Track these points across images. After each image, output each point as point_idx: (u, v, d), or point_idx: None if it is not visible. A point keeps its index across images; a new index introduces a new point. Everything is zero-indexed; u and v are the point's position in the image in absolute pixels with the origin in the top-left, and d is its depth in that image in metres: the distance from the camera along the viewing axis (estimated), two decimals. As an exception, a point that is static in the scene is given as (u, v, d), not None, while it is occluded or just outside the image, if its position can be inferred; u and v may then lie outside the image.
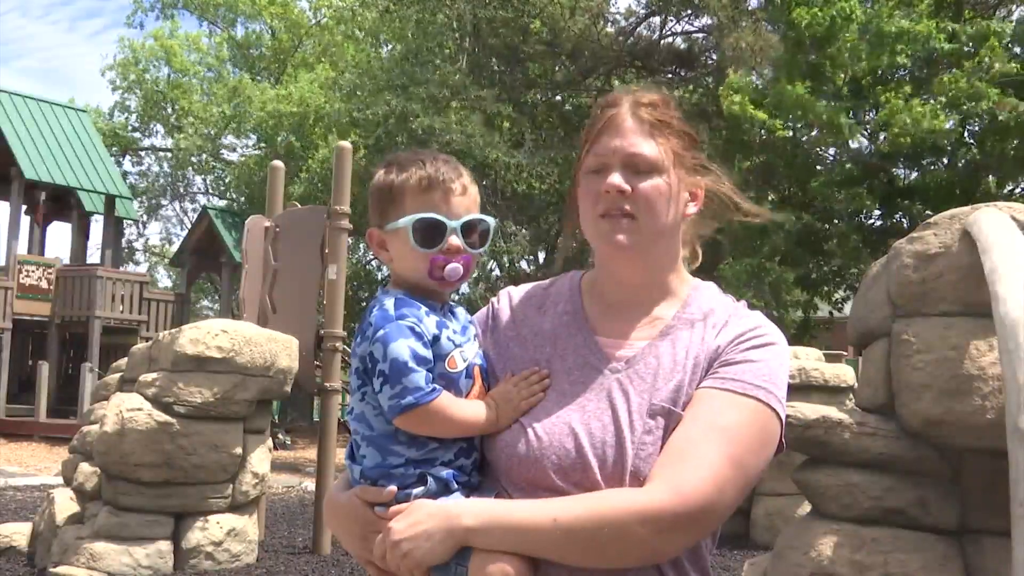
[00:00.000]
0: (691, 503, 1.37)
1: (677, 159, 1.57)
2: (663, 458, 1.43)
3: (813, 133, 13.88)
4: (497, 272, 20.53)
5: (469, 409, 1.53)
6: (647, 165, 1.53)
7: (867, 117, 14.13)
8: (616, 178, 1.52)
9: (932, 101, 12.71)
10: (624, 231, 1.52)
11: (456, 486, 1.52)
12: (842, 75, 13.24)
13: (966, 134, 13.71)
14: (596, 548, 1.39)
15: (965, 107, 12.43)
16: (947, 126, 12.59)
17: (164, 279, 38.02)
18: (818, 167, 14.80)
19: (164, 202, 36.12)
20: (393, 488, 1.51)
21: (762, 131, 13.30)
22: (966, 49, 12.51)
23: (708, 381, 1.50)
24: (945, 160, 14.31)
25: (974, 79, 12.37)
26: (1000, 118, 12.22)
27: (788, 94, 12.86)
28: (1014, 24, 12.94)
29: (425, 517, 1.44)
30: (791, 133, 13.56)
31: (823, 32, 12.95)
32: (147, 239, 39.64)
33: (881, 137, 14.07)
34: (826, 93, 13.61)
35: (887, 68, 13.17)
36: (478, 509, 1.43)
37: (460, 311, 1.66)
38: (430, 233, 1.55)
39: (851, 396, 7.86)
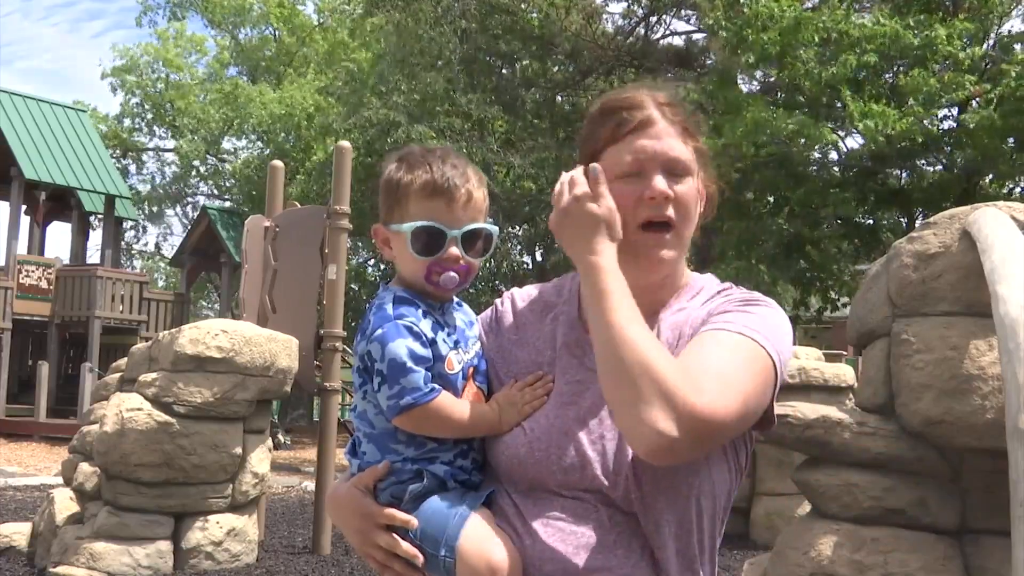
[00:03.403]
0: (709, 410, 1.32)
1: (699, 160, 1.57)
2: (695, 372, 1.36)
3: (796, 143, 13.84)
4: (492, 270, 20.55)
5: (469, 411, 1.53)
6: (683, 168, 1.53)
7: (846, 121, 14.12)
8: (661, 183, 1.50)
9: (911, 101, 12.65)
10: (668, 246, 1.51)
11: (453, 484, 1.52)
12: (812, 84, 13.17)
13: (961, 134, 13.68)
14: (617, 376, 1.35)
15: (943, 100, 12.38)
16: (926, 123, 12.55)
17: (159, 280, 38.03)
18: (808, 171, 14.78)
19: (167, 209, 36.20)
20: (387, 462, 1.51)
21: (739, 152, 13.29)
22: (921, 50, 12.43)
23: (703, 327, 1.47)
24: (943, 161, 14.30)
25: (944, 73, 12.34)
26: (981, 110, 12.17)
27: (731, 123, 12.87)
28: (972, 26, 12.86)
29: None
30: (767, 147, 13.50)
31: (776, 50, 12.91)
32: (146, 243, 39.76)
33: (861, 140, 14.06)
34: (802, 104, 13.59)
35: (859, 70, 13.09)
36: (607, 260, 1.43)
37: (465, 310, 1.66)
38: (429, 241, 1.54)
39: (851, 396, 7.86)
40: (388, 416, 1.51)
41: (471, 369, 1.59)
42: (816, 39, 12.81)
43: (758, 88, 16.57)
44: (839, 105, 13.55)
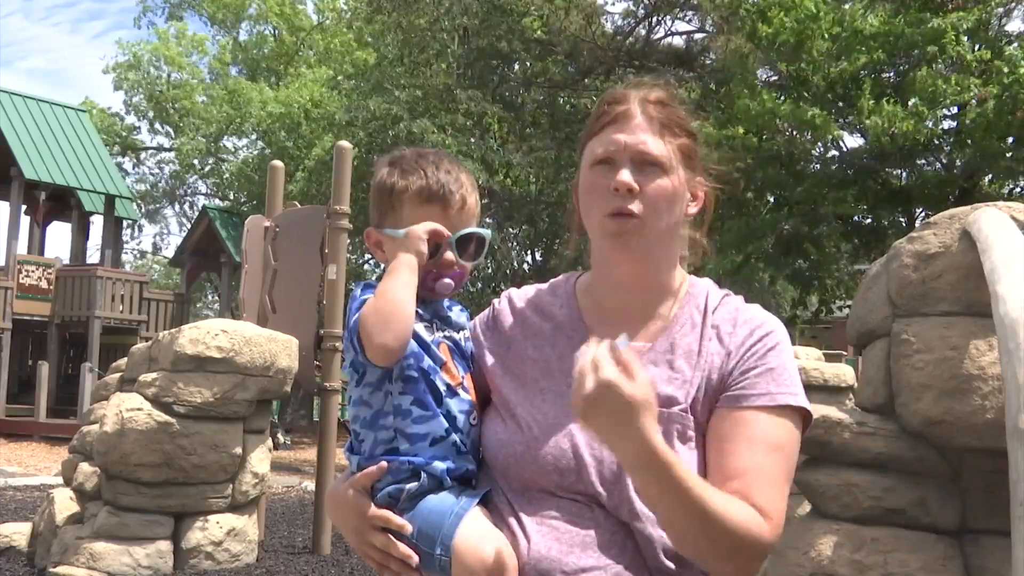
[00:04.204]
0: (778, 530, 1.44)
1: (683, 159, 1.56)
2: (752, 484, 1.44)
3: (802, 136, 13.83)
4: (491, 271, 20.53)
5: (390, 276, 1.53)
6: (655, 163, 1.52)
7: (849, 119, 14.11)
8: (626, 175, 1.50)
9: (914, 100, 12.65)
10: (631, 231, 1.51)
11: (450, 482, 1.52)
12: (822, 79, 13.16)
13: (961, 133, 13.68)
14: (706, 535, 1.39)
15: (948, 100, 12.39)
16: (928, 124, 12.54)
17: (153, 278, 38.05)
18: (810, 169, 14.77)
19: (165, 205, 36.22)
20: (384, 464, 1.52)
21: (741, 145, 13.26)
22: (928, 45, 12.44)
23: (743, 400, 1.50)
24: (943, 160, 14.29)
25: (951, 73, 12.35)
26: (977, 109, 12.16)
27: (744, 107, 12.84)
28: (974, 18, 12.82)
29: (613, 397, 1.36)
30: (771, 140, 13.48)
31: (793, 39, 12.91)
32: (140, 242, 39.83)
33: (862, 139, 14.08)
34: (807, 99, 13.59)
35: (866, 68, 13.09)
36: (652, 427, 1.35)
37: (455, 308, 1.68)
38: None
39: (851, 396, 7.86)
40: (366, 358, 1.52)
41: (444, 346, 1.59)
42: (830, 33, 12.80)
43: (761, 86, 16.55)
44: (841, 104, 13.54)
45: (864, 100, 12.27)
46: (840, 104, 13.65)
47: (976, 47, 12.70)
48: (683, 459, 1.46)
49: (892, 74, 13.82)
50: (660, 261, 1.58)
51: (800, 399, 1.51)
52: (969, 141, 12.92)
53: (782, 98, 13.17)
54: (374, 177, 1.64)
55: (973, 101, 12.32)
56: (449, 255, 1.58)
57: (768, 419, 1.48)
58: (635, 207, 1.50)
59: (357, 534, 1.54)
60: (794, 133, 13.83)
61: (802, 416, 1.52)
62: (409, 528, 1.48)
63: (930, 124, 12.62)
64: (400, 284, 1.51)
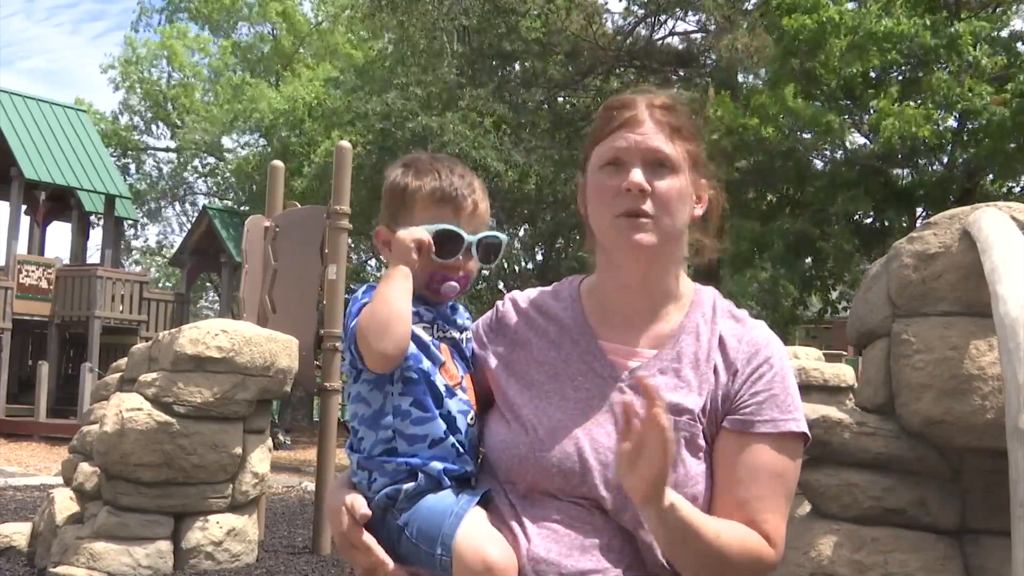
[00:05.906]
0: (780, 553, 1.54)
1: (690, 162, 1.57)
2: (758, 513, 1.51)
3: (806, 136, 13.83)
4: (491, 270, 20.52)
5: (387, 282, 1.53)
6: (664, 162, 1.53)
7: (861, 119, 14.08)
8: (638, 175, 1.51)
9: (924, 101, 12.65)
10: (645, 230, 1.51)
11: (448, 482, 1.53)
12: (834, 79, 13.16)
13: (964, 134, 13.65)
14: (718, 567, 1.46)
15: (960, 105, 12.39)
16: (938, 127, 12.54)
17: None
18: (815, 169, 14.75)
19: (164, 204, 36.19)
20: (367, 513, 1.51)
21: (753, 137, 13.23)
22: (944, 49, 12.44)
23: (749, 427, 1.52)
24: (944, 160, 14.28)
25: (964, 76, 12.36)
26: (993, 116, 12.16)
27: (772, 103, 12.84)
28: (990, 23, 12.80)
29: None
30: (784, 136, 13.48)
31: (812, 37, 12.90)
32: (146, 239, 39.77)
33: (872, 139, 14.06)
34: (818, 97, 13.58)
35: (879, 69, 13.10)
36: (673, 495, 1.41)
37: (460, 311, 1.68)
38: (445, 244, 1.58)
39: (851, 396, 7.86)
40: (364, 362, 1.54)
41: (444, 347, 1.59)
42: (846, 34, 12.80)
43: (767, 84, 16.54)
44: (847, 103, 13.53)
45: (886, 101, 12.28)
46: (846, 103, 13.64)
47: (991, 51, 12.68)
48: (692, 472, 1.48)
49: (897, 74, 13.81)
50: (668, 263, 1.58)
51: (801, 424, 1.55)
52: (973, 141, 12.91)
53: (798, 99, 13.15)
54: (387, 178, 1.66)
55: (982, 106, 12.31)
56: (461, 257, 1.59)
57: (773, 446, 1.52)
58: (648, 207, 1.51)
59: (342, 549, 1.56)
60: (802, 134, 13.81)
61: (803, 439, 1.57)
62: (390, 564, 1.49)
63: (939, 127, 12.64)
64: (396, 290, 1.52)
